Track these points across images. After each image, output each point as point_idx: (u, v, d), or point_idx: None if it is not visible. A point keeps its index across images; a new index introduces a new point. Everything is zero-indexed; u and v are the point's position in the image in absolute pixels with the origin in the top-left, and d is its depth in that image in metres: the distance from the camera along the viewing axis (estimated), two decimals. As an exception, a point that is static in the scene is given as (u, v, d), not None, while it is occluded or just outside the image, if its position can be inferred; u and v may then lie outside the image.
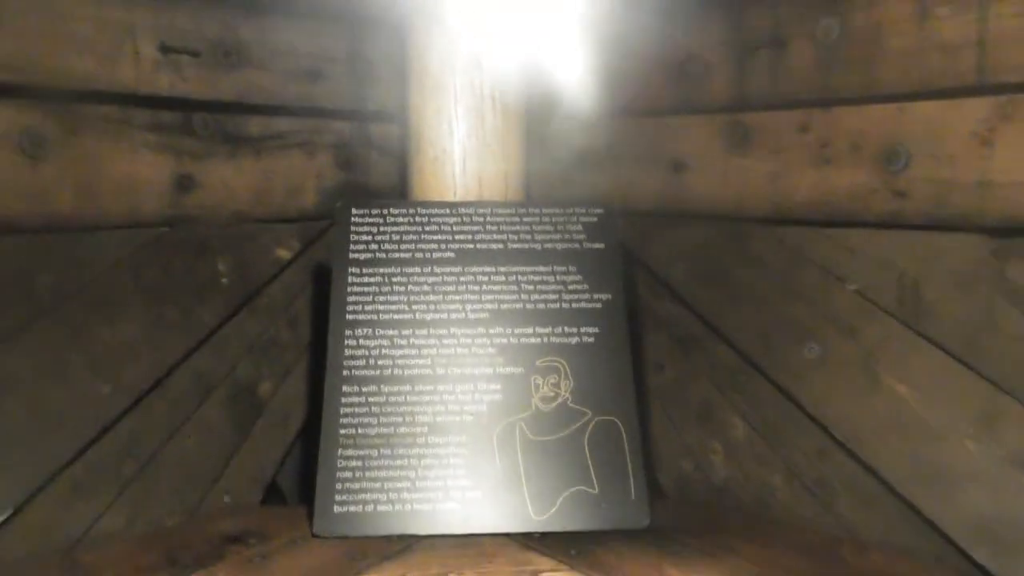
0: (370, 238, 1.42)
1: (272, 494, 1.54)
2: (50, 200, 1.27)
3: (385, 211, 1.44)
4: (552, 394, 1.33)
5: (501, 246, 1.43)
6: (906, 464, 1.22)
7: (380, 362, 1.33)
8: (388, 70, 1.67)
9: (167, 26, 1.37)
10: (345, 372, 1.32)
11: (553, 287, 1.40)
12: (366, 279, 1.39)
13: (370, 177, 1.72)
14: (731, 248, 1.49)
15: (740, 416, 1.46)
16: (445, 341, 1.35)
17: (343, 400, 1.30)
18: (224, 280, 1.47)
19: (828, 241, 1.36)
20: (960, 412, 1.18)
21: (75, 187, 1.29)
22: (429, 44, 1.47)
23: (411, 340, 1.35)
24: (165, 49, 1.37)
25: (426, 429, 1.29)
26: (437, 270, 1.40)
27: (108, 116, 1.33)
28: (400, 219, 1.44)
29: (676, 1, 1.53)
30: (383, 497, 1.25)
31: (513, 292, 1.39)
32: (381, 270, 1.39)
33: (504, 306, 1.38)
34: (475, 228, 1.44)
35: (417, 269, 1.40)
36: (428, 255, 1.41)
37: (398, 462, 1.27)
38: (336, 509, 1.23)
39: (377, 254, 1.41)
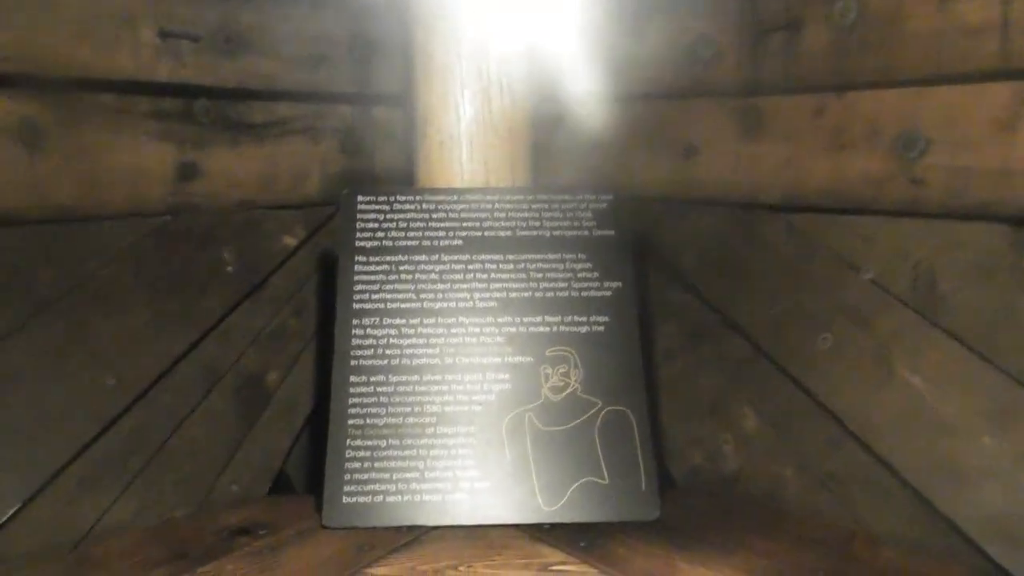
0: (376, 226, 1.40)
1: (280, 483, 1.54)
2: (50, 191, 1.24)
3: (391, 198, 1.42)
4: (562, 384, 1.32)
5: (509, 233, 1.41)
6: (920, 457, 1.21)
7: (388, 351, 1.32)
8: (392, 54, 1.64)
9: (166, 12, 1.34)
10: (353, 362, 1.31)
11: (562, 275, 1.38)
12: (372, 267, 1.37)
13: (375, 163, 1.70)
14: (743, 235, 1.47)
15: (752, 407, 1.44)
16: (453, 330, 1.34)
17: (351, 390, 1.29)
18: (229, 269, 1.45)
19: (842, 229, 1.33)
20: (976, 405, 1.16)
21: (75, 177, 1.27)
22: (434, 28, 1.43)
23: (419, 329, 1.34)
24: (165, 35, 1.34)
25: (435, 419, 1.29)
26: (445, 258, 1.38)
27: (108, 104, 1.30)
28: (407, 206, 1.42)
29: (688, -19, 1.49)
30: (392, 488, 1.25)
31: (522, 280, 1.38)
32: (388, 258, 1.38)
33: (513, 294, 1.37)
34: (483, 215, 1.42)
35: (424, 257, 1.38)
36: (435, 243, 1.39)
37: (407, 452, 1.26)
38: (345, 500, 1.23)
39: (384, 242, 1.39)
